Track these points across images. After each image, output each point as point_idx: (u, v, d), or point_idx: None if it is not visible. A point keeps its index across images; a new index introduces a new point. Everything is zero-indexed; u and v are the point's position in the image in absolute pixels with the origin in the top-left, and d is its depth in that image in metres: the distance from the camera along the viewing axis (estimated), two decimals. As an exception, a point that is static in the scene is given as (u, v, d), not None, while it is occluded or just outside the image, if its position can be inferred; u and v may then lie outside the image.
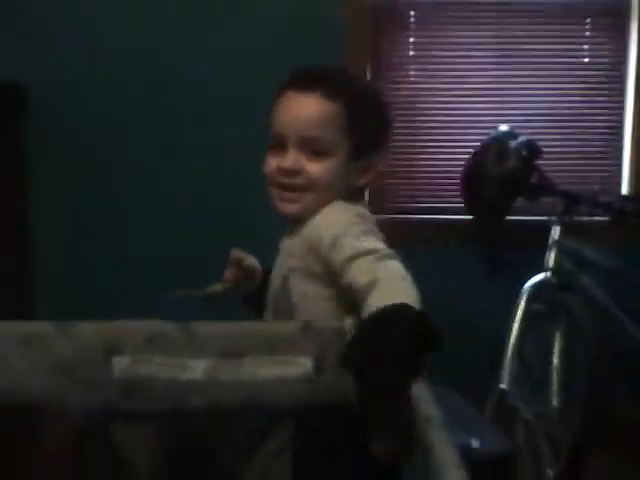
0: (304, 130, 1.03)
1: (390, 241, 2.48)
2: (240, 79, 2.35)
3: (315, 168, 1.04)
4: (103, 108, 2.38)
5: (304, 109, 1.04)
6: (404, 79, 2.48)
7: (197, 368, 0.96)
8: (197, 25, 2.37)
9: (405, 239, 2.33)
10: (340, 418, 0.97)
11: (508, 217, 2.19)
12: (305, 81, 1.05)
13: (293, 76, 1.08)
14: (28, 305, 2.35)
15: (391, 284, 0.89)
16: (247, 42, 2.35)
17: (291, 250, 1.09)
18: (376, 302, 0.84)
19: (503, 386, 1.87)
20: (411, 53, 2.48)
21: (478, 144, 2.22)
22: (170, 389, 0.96)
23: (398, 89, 2.46)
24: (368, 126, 1.06)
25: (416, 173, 2.49)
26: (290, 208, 1.07)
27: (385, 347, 0.78)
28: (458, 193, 2.23)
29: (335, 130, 1.04)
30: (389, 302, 0.82)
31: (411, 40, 2.47)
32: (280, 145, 1.06)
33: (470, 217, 2.24)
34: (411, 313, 0.82)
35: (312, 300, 1.05)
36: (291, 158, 1.04)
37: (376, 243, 0.99)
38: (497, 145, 2.12)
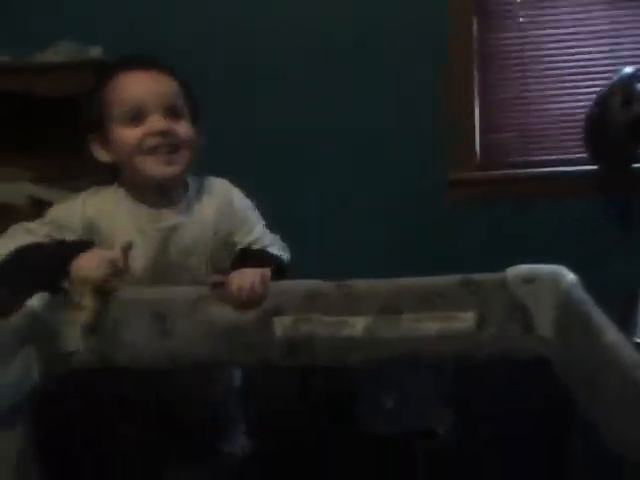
0: (164, 98, 1.12)
1: (510, 195, 2.37)
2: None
3: (180, 127, 1.13)
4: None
5: (157, 82, 1.13)
6: (512, 25, 2.36)
7: (357, 325, 0.96)
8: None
9: (525, 193, 2.27)
10: (501, 370, 0.96)
11: (635, 164, 2.08)
12: (140, 63, 1.15)
13: (123, 61, 1.17)
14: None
15: None
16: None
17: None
18: None
19: (638, 340, 1.79)
20: (519, -2, 2.36)
21: (598, 90, 2.11)
22: (331, 347, 0.97)
23: (506, 37, 2.36)
24: (191, 102, 1.18)
25: (531, 124, 2.39)
26: (172, 170, 1.12)
27: None
28: (580, 143, 2.13)
29: (181, 99, 1.15)
30: None
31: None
32: (135, 118, 1.10)
33: (594, 167, 2.14)
34: None
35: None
36: (160, 121, 1.11)
37: None
38: (622, 89, 2.00)
